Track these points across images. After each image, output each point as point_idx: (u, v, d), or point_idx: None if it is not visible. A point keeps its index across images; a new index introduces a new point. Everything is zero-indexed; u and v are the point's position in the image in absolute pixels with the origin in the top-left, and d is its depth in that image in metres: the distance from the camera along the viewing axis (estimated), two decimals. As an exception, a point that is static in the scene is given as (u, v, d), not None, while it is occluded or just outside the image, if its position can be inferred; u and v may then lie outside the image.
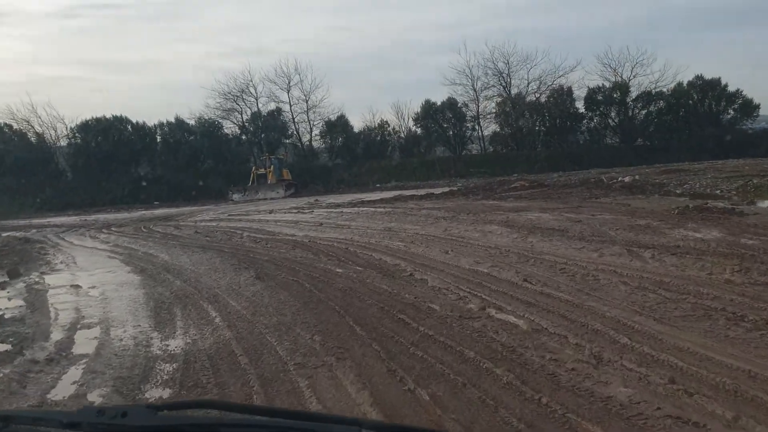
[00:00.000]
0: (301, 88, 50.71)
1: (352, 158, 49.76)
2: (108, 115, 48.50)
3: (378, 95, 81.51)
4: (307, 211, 23.22)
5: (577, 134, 50.67)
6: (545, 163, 44.87)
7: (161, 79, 76.91)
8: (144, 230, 20.12)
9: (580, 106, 49.10)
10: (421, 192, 29.92)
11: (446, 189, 30.71)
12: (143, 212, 31.02)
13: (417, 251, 11.43)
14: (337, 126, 49.94)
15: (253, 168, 40.14)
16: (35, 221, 29.73)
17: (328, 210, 22.84)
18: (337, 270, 10.15)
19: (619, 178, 25.76)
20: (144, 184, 45.52)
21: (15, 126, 48.16)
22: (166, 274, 11.19)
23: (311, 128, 51.01)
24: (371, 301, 7.76)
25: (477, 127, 50.54)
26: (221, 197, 39.95)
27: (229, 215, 25.19)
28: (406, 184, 40.63)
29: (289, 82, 49.77)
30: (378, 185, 41.27)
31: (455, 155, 49.74)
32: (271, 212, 24.12)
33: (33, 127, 47.98)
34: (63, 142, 49.12)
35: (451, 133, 50.68)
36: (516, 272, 8.83)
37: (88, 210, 37.29)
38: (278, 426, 1.57)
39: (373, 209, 21.39)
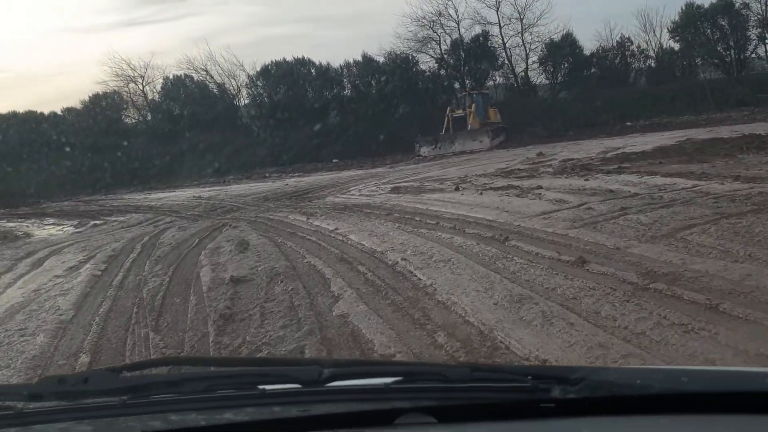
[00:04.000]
0: (513, 2, 37.15)
1: (581, 90, 35.57)
2: (288, 58, 39.26)
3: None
4: (525, 183, 10.82)
5: None
6: None
7: (372, 30, 66.58)
8: (190, 242, 9.21)
9: None
10: (726, 132, 16.00)
11: (777, 126, 16.25)
12: (287, 182, 20.19)
13: None
14: (562, 48, 35.81)
15: (448, 110, 27.81)
16: (136, 197, 20.69)
17: (571, 181, 10.26)
18: None
19: None
20: (324, 138, 35.80)
21: (195, 77, 40.62)
22: None
23: (527, 54, 37.38)
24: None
25: (765, 35, 33.44)
26: (411, 151, 28.57)
27: (391, 188, 13.66)
28: (672, 120, 26.10)
29: (499, -3, 36.43)
30: (628, 124, 27.16)
31: (731, 77, 33.42)
32: (458, 187, 12.03)
33: (212, 77, 40.06)
34: (244, 93, 40.84)
35: (722, 46, 34.20)
36: None
37: (258, 172, 27.89)
38: (241, 374, 1.48)
39: (686, 183, 8.48)
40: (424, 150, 25.43)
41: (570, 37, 35.79)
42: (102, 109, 40.92)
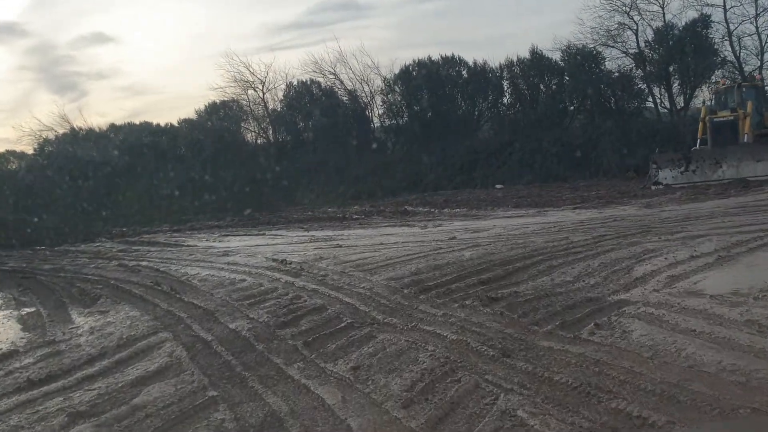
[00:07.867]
0: (744, -24, 25.76)
1: None
2: (434, 56, 30.12)
3: None
4: None
5: None
6: None
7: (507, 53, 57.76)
8: None
9: None
10: None
11: None
12: (452, 230, 10.38)
13: None
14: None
15: (702, 112, 16.83)
16: (199, 245, 11.80)
17: None
18: None
19: None
20: (477, 156, 26.09)
21: (323, 82, 32.23)
22: None
23: (762, 47, 25.93)
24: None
25: None
26: (621, 176, 18.11)
27: None
28: None
29: (726, -32, 25.26)
30: None
31: None
32: None
33: (342, 81, 31.51)
34: (378, 101, 31.85)
35: None
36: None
37: (393, 201, 18.67)
38: None
39: None
40: (666, 175, 14.88)
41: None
42: (218, 119, 33.81)
